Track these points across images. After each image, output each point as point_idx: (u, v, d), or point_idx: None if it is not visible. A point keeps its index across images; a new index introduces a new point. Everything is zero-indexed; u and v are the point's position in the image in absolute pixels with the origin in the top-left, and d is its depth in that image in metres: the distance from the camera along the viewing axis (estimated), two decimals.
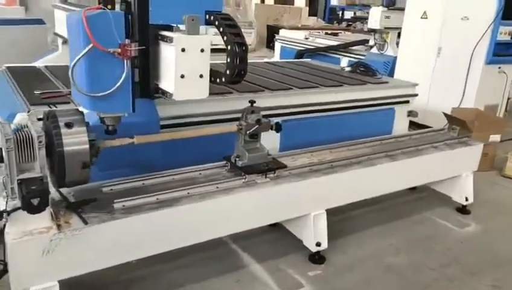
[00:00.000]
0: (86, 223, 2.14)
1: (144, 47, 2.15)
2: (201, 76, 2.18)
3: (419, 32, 5.90)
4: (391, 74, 6.22)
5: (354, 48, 7.27)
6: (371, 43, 7.02)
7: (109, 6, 2.15)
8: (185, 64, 2.13)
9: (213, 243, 2.67)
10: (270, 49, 11.63)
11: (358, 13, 14.56)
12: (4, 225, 2.01)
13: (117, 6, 2.25)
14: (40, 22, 4.83)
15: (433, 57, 5.73)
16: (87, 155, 2.10)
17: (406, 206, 3.85)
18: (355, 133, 3.77)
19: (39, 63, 4.13)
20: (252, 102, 2.74)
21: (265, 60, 6.94)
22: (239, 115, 2.78)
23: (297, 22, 13.19)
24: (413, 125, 5.10)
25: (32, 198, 1.91)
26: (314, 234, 2.88)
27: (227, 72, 2.20)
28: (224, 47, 2.23)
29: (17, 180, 1.94)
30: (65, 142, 2.03)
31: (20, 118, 2.36)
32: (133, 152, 2.57)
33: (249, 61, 5.05)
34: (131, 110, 2.21)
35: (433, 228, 3.55)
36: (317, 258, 2.94)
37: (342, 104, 3.90)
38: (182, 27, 2.21)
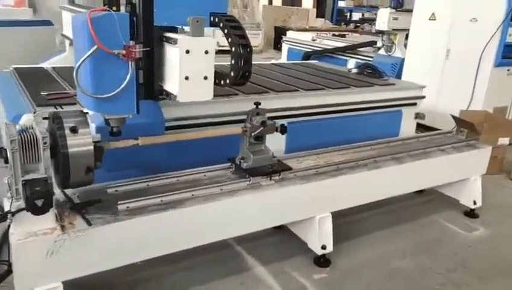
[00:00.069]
0: (89, 224, 2.14)
1: (148, 48, 2.15)
2: (205, 78, 2.17)
3: (427, 34, 5.84)
4: (399, 75, 6.17)
5: (361, 49, 7.24)
6: (379, 44, 6.99)
7: (114, 8, 2.16)
8: (189, 66, 2.12)
9: (217, 245, 2.67)
10: (278, 50, 11.61)
11: (367, 15, 14.51)
12: (9, 226, 2.02)
13: (122, 8, 2.26)
14: (48, 23, 4.86)
15: (442, 58, 5.68)
16: (91, 156, 2.10)
17: (413, 209, 3.81)
18: (361, 136, 3.75)
19: (46, 64, 4.16)
20: (257, 104, 2.73)
21: (272, 61, 6.94)
22: (244, 117, 2.77)
23: (304, 23, 13.16)
24: (421, 127, 5.06)
25: (36, 199, 1.91)
26: (320, 236, 2.86)
27: (232, 73, 2.19)
28: None
29: (22, 181, 1.95)
30: (69, 143, 2.04)
31: (26, 119, 2.36)
32: (138, 153, 2.57)
33: (255, 62, 5.06)
34: (135, 111, 2.21)
35: (441, 232, 3.51)
36: (322, 261, 2.92)
37: (348, 106, 3.87)
38: (187, 29, 2.21)
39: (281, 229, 3.08)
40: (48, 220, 2.07)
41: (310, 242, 2.92)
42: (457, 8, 5.47)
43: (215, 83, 2.24)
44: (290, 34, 9.22)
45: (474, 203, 3.72)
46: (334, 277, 2.84)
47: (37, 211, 1.92)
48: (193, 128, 2.93)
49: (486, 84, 5.24)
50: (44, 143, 1.99)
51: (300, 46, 8.26)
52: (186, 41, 2.09)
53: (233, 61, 2.17)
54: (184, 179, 2.69)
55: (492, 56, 5.18)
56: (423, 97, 4.43)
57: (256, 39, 12.45)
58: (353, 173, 3.01)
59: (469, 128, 3.88)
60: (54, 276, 2.09)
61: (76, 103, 2.83)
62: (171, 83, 2.23)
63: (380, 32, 6.76)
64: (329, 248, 2.89)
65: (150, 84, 2.30)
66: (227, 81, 2.23)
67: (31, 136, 1.98)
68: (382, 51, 6.86)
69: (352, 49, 7.34)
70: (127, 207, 2.30)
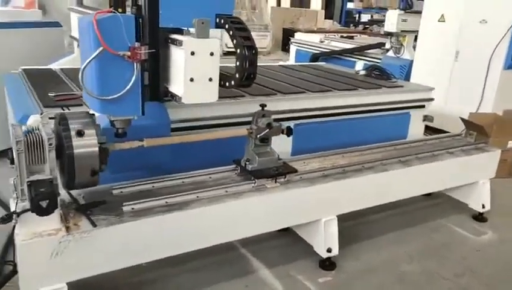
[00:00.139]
0: (94, 225, 2.14)
1: (153, 50, 2.15)
2: (210, 79, 2.17)
3: (436, 35, 5.80)
4: (407, 77, 6.13)
5: (369, 51, 7.20)
6: (387, 46, 6.94)
7: (120, 10, 2.17)
8: (194, 68, 2.12)
9: (222, 248, 2.66)
10: (286, 52, 11.60)
11: (375, 16, 14.44)
12: (14, 227, 2.02)
13: (128, 10, 2.26)
14: (56, 24, 4.88)
15: (451, 60, 5.63)
16: (96, 158, 2.11)
17: (421, 212, 3.78)
18: (369, 138, 3.72)
19: (55, 66, 4.19)
20: (262, 106, 2.72)
21: (280, 63, 6.92)
22: (250, 119, 2.76)
23: (313, 25, 13.13)
24: (429, 130, 5.01)
25: (41, 200, 1.92)
26: (325, 239, 2.84)
27: (237, 75, 2.18)
28: None
29: (27, 182, 1.96)
30: (75, 144, 2.04)
31: (33, 120, 2.38)
32: (144, 155, 2.57)
33: (263, 64, 5.06)
34: (140, 113, 2.21)
35: (448, 236, 3.47)
36: (327, 264, 2.90)
37: (356, 108, 3.85)
38: (193, 30, 2.20)
39: (286, 232, 3.07)
40: (52, 221, 2.07)
41: (315, 245, 2.90)
42: (466, 10, 5.42)
43: (220, 85, 2.24)
44: (298, 35, 9.20)
45: (483, 207, 3.67)
46: (340, 280, 2.82)
47: (42, 212, 1.93)
48: (199, 130, 2.93)
49: (496, 86, 5.18)
50: (50, 144, 2.00)
51: (308, 48, 8.24)
52: (191, 43, 2.09)
53: (238, 63, 2.16)
54: (189, 180, 2.68)
55: (502, 58, 5.12)
56: (432, 99, 4.39)
57: (264, 41, 12.45)
58: (359, 176, 2.98)
59: (478, 131, 3.84)
60: (58, 277, 2.09)
61: (83, 104, 2.85)
62: (176, 85, 2.23)
63: (389, 34, 6.72)
64: (335, 251, 2.87)
65: (155, 86, 2.30)
66: (232, 82, 2.22)
67: (37, 138, 1.99)
68: (391, 53, 6.82)
69: (360, 50, 7.30)
70: (132, 208, 2.30)
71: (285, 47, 12.35)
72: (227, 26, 2.20)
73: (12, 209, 2.04)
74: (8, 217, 2.01)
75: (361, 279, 2.85)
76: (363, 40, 8.47)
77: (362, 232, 3.36)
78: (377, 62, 6.61)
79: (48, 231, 2.05)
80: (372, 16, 14.96)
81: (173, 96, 2.28)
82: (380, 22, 11.01)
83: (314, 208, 2.82)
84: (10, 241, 2.37)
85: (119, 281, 2.60)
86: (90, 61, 2.00)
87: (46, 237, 2.03)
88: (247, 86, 2.29)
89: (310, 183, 2.79)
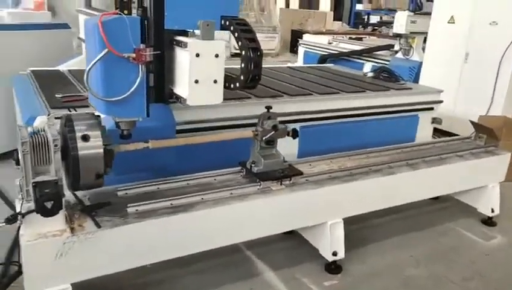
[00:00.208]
0: (99, 226, 2.15)
1: (159, 52, 2.15)
2: (215, 81, 2.16)
3: (446, 37, 5.74)
4: (416, 79, 6.08)
5: (378, 53, 7.15)
6: (396, 48, 6.89)
7: (126, 12, 2.17)
8: (199, 70, 2.12)
9: (228, 250, 2.64)
10: (294, 53, 11.57)
11: (385, 18, 14.36)
12: (19, 227, 2.03)
13: (134, 12, 2.27)
14: (65, 26, 4.92)
15: (460, 62, 5.57)
16: (101, 159, 2.11)
17: (429, 216, 3.73)
18: (377, 140, 3.69)
19: (63, 67, 4.22)
20: (268, 108, 2.70)
21: (288, 64, 6.91)
22: (256, 121, 2.75)
23: (321, 26, 13.09)
24: (438, 132, 4.97)
25: (46, 201, 1.93)
26: (331, 243, 2.82)
27: (242, 77, 2.17)
28: None
29: (32, 183, 1.97)
30: (80, 146, 2.05)
31: (40, 121, 2.40)
32: (149, 156, 2.57)
33: (270, 66, 5.04)
34: (145, 114, 2.21)
35: (457, 240, 3.42)
36: (333, 267, 2.87)
37: (363, 110, 3.82)
38: (198, 32, 2.20)
39: (292, 235, 3.05)
40: (57, 221, 2.08)
41: (321, 248, 2.88)
42: (476, 11, 5.36)
43: (225, 87, 2.23)
44: (306, 37, 9.17)
45: (492, 211, 3.62)
46: (345, 284, 2.79)
47: (47, 213, 1.94)
48: (204, 132, 2.93)
49: (506, 89, 5.11)
50: (55, 146, 2.01)
51: (317, 50, 8.21)
52: (196, 45, 2.09)
53: (243, 65, 2.16)
54: (194, 182, 2.68)
55: None
56: (440, 102, 4.35)
57: (272, 42, 12.46)
58: (366, 179, 2.96)
59: (488, 134, 3.79)
60: (63, 278, 2.10)
61: (90, 106, 2.86)
62: (181, 87, 2.23)
63: (398, 36, 6.67)
64: (341, 255, 2.84)
65: (161, 88, 2.30)
66: (237, 84, 2.21)
67: (42, 139, 2.00)
68: (399, 55, 6.77)
69: (368, 52, 7.26)
70: (136, 210, 2.30)
71: (293, 48, 12.32)
72: (232, 28, 2.19)
73: (18, 210, 2.05)
74: (14, 218, 2.02)
75: (368, 283, 2.82)
76: (371, 41, 8.43)
77: (368, 236, 3.33)
78: (386, 64, 6.56)
79: (52, 232, 2.06)
80: (381, 18, 14.87)
81: (178, 98, 2.28)
82: (389, 24, 10.93)
83: (320, 210, 2.80)
84: (16, 242, 2.38)
85: (124, 282, 2.60)
86: (95, 62, 2.01)
87: (51, 238, 2.04)
88: (252, 87, 2.28)
89: (316, 186, 2.77)
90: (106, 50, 1.99)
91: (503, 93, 5.13)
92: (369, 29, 12.96)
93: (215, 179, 2.74)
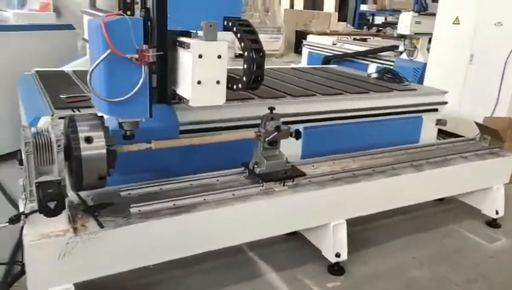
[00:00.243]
0: (101, 226, 2.15)
1: (161, 53, 2.15)
2: (218, 82, 2.17)
3: (450, 38, 5.71)
4: (421, 80, 6.05)
5: (382, 54, 7.13)
6: (401, 49, 6.87)
7: (129, 13, 2.18)
8: (201, 71, 2.12)
9: (230, 250, 2.65)
10: (299, 54, 11.56)
11: (389, 18, 14.32)
12: (22, 227, 2.04)
13: (137, 13, 2.27)
14: (70, 27, 4.95)
15: (465, 63, 5.54)
16: (104, 160, 2.11)
17: (432, 218, 3.72)
18: (381, 142, 3.68)
19: (68, 68, 4.23)
20: (271, 109, 2.70)
21: (292, 65, 6.90)
22: (259, 121, 2.75)
23: (326, 27, 13.08)
24: (442, 133, 4.94)
25: (49, 201, 1.93)
26: (334, 244, 2.81)
27: (244, 78, 2.17)
28: None
29: (35, 183, 1.97)
30: (83, 146, 2.05)
31: (44, 121, 2.41)
32: (153, 157, 2.58)
33: (274, 66, 5.04)
34: (148, 115, 2.22)
35: (461, 242, 3.41)
36: (336, 269, 2.86)
37: (367, 111, 3.80)
38: (201, 33, 2.20)
39: (295, 236, 3.04)
40: (61, 222, 2.09)
41: (323, 249, 2.87)
42: (481, 12, 5.34)
43: (227, 87, 2.23)
44: (310, 38, 9.15)
45: (497, 212, 3.60)
46: (348, 285, 2.79)
47: (49, 213, 1.94)
48: (208, 132, 2.93)
49: (511, 90, 5.08)
50: (58, 146, 2.02)
51: (321, 50, 8.20)
52: (198, 46, 2.09)
53: (245, 66, 2.16)
54: (197, 183, 2.68)
55: None
56: (445, 103, 4.32)
57: (276, 43, 12.45)
58: (369, 180, 2.95)
59: (493, 136, 3.77)
60: (65, 278, 2.10)
61: (94, 106, 2.87)
62: (184, 87, 2.23)
63: (402, 37, 6.65)
64: (344, 256, 2.84)
65: (163, 88, 2.31)
66: (240, 85, 2.22)
67: (45, 139, 2.00)
68: (404, 56, 6.75)
69: (373, 53, 7.23)
70: (139, 210, 2.30)
71: (297, 49, 12.31)
72: (235, 29, 2.19)
73: (21, 210, 2.06)
74: (17, 218, 2.03)
75: (370, 284, 2.82)
76: (376, 42, 8.39)
77: (372, 237, 3.32)
78: (390, 65, 6.55)
79: (55, 232, 2.07)
80: (386, 18, 14.84)
81: (181, 99, 2.29)
82: (394, 24, 10.91)
83: (322, 212, 2.80)
84: (20, 242, 2.39)
85: (126, 282, 2.60)
86: (98, 63, 2.01)
87: (54, 238, 2.04)
88: (255, 88, 2.28)
89: (319, 187, 2.76)
90: (109, 51, 2.00)
91: (509, 94, 5.10)
92: (374, 30, 12.93)
93: (217, 180, 2.75)
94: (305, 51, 8.78)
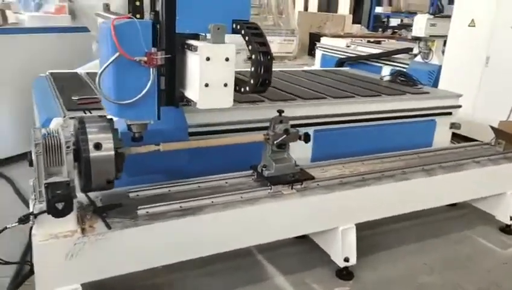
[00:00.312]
0: (109, 228, 2.17)
1: (169, 56, 2.17)
2: (225, 85, 2.17)
3: (466, 40, 5.63)
4: (436, 83, 5.98)
5: (397, 56, 7.06)
6: (415, 51, 6.80)
7: (138, 16, 2.20)
8: (209, 73, 2.12)
9: (239, 253, 2.64)
10: (312, 57, 11.53)
11: (405, 20, 14.17)
12: (31, 227, 2.07)
13: (146, 15, 2.29)
14: (85, 29, 5.01)
15: (481, 66, 5.45)
16: (112, 162, 2.13)
17: (445, 223, 3.66)
18: (392, 145, 3.64)
19: (81, 70, 4.29)
20: (280, 111, 2.69)
21: (305, 68, 6.88)
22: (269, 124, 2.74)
23: (340, 29, 13.00)
24: (457, 137, 4.86)
25: (57, 202, 1.95)
26: (343, 248, 2.78)
27: (252, 81, 2.17)
28: None
29: (44, 183, 2.00)
30: (91, 148, 2.07)
31: (56, 123, 2.45)
32: (162, 159, 2.59)
33: (286, 69, 5.02)
34: (156, 117, 2.23)
35: (473, 248, 3.34)
36: (345, 274, 2.84)
37: (379, 114, 3.77)
38: (209, 36, 2.21)
39: (304, 239, 3.02)
40: (69, 222, 2.11)
41: (332, 254, 2.85)
42: (498, 15, 5.24)
43: (235, 90, 2.23)
44: (324, 40, 9.12)
45: (511, 218, 3.52)
46: None
47: (57, 214, 1.97)
48: (217, 135, 2.93)
49: None
50: (67, 147, 2.04)
51: (334, 53, 8.16)
52: (206, 49, 2.09)
53: (253, 69, 2.15)
54: (205, 185, 2.69)
55: None
56: (459, 106, 4.26)
57: (290, 45, 12.42)
58: (379, 184, 2.92)
59: (508, 140, 3.70)
60: (73, 278, 2.12)
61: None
62: (192, 90, 2.24)
63: (417, 39, 6.58)
64: (353, 261, 2.81)
65: (171, 91, 2.32)
66: (247, 88, 2.21)
67: (55, 140, 2.03)
68: (418, 58, 6.67)
69: (387, 56, 7.18)
70: (147, 212, 2.32)
71: (311, 52, 12.26)
72: (243, 32, 2.19)
73: (31, 210, 2.09)
74: (26, 218, 2.06)
75: None
76: (390, 45, 8.32)
77: (381, 242, 3.27)
78: (405, 67, 6.48)
79: (64, 232, 2.09)
80: (401, 20, 14.69)
81: (189, 102, 2.29)
82: (410, 27, 10.80)
83: (331, 216, 2.78)
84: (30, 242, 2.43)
85: (134, 282, 2.61)
86: (107, 66, 2.03)
87: (62, 239, 2.07)
88: (262, 91, 2.28)
89: (328, 191, 2.74)
90: (118, 54, 2.01)
91: None
92: (389, 32, 12.81)
93: (226, 182, 2.75)
94: (318, 53, 8.74)
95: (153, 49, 2.09)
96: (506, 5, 5.18)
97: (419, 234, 3.43)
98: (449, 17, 5.95)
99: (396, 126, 3.87)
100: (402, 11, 14.34)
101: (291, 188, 2.68)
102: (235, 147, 2.72)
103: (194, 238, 2.38)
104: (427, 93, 4.26)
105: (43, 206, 2.02)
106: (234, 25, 2.25)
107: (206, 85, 2.13)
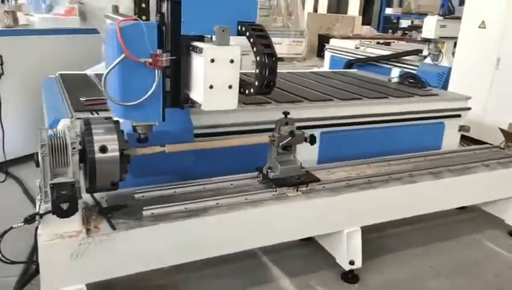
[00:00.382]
0: (114, 228, 2.18)
1: (175, 57, 2.17)
2: (230, 87, 2.17)
3: (476, 42, 5.57)
4: (446, 85, 5.92)
5: (406, 58, 7.02)
6: (425, 53, 6.74)
7: (144, 18, 2.21)
8: (214, 75, 2.12)
9: (244, 255, 2.64)
10: (321, 58, 11.50)
11: (416, 22, 14.08)
12: (37, 227, 2.09)
13: (152, 17, 2.31)
14: (93, 31, 5.06)
15: (491, 68, 5.39)
16: (117, 163, 2.14)
17: (453, 226, 3.62)
18: (400, 148, 3.61)
19: (90, 71, 4.32)
20: (286, 113, 2.69)
21: (314, 69, 6.86)
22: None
23: (349, 31, 12.96)
24: (466, 140, 4.82)
25: (62, 203, 1.97)
26: (348, 251, 2.77)
27: (256, 83, 2.16)
28: None
29: (50, 184, 2.02)
30: (96, 149, 2.09)
31: (63, 124, 2.47)
32: (167, 160, 2.60)
33: (294, 70, 5.00)
34: (161, 119, 2.24)
35: (481, 252, 3.31)
36: (350, 277, 2.82)
37: (386, 116, 3.74)
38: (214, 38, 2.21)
39: (309, 241, 3.01)
40: (74, 222, 2.12)
41: (337, 257, 2.84)
42: (508, 16, 5.19)
43: (240, 92, 2.23)
44: (333, 41, 9.09)
45: None
46: None
47: (62, 214, 1.98)
48: (222, 136, 2.93)
49: None
50: (73, 148, 2.06)
51: (343, 54, 8.13)
52: (211, 50, 2.10)
53: (257, 71, 2.15)
54: (210, 186, 2.69)
55: None
56: (468, 109, 4.21)
57: (299, 47, 12.41)
58: (385, 187, 2.90)
59: None
60: (78, 278, 2.14)
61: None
62: (197, 92, 2.24)
63: (427, 41, 6.53)
64: (358, 264, 2.79)
65: (177, 92, 2.33)
66: (252, 90, 2.21)
67: (61, 142, 2.05)
68: (428, 60, 6.62)
69: (396, 57, 7.13)
70: (152, 213, 2.32)
71: (320, 53, 12.23)
72: (248, 34, 2.19)
73: (36, 210, 2.11)
74: (32, 218, 2.08)
75: None
76: (400, 46, 8.26)
77: (388, 245, 3.25)
78: (414, 69, 6.43)
79: (69, 232, 2.11)
80: (412, 22, 14.59)
81: (193, 103, 2.30)
82: (420, 28, 10.72)
83: (336, 218, 2.76)
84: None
85: (138, 283, 2.63)
86: (112, 68, 2.05)
87: (67, 239, 2.08)
88: (267, 93, 2.27)
89: (333, 193, 2.73)
90: (123, 55, 2.03)
91: None
92: (399, 33, 12.73)
93: (231, 184, 2.75)
94: (327, 55, 8.72)
95: (158, 51, 2.09)
96: None
97: (426, 237, 3.40)
98: (459, 18, 5.89)
99: (404, 128, 3.84)
100: (412, 13, 14.23)
101: (297, 190, 2.67)
102: (241, 149, 2.72)
103: (199, 240, 2.38)
104: (436, 95, 4.22)
105: (49, 206, 2.04)
106: (239, 27, 2.25)
107: (211, 87, 2.13)
